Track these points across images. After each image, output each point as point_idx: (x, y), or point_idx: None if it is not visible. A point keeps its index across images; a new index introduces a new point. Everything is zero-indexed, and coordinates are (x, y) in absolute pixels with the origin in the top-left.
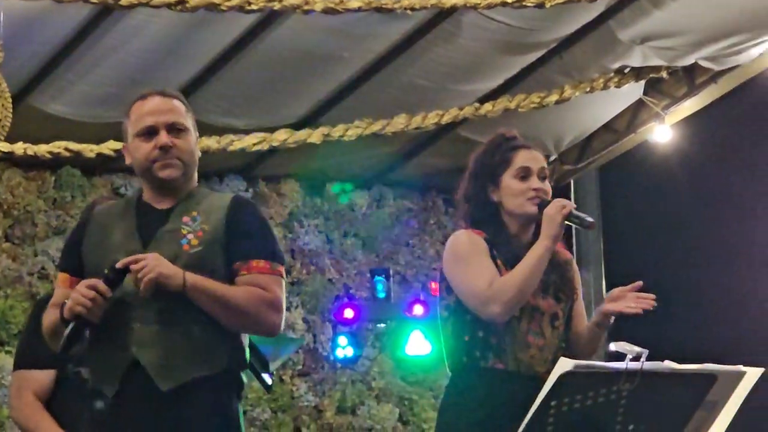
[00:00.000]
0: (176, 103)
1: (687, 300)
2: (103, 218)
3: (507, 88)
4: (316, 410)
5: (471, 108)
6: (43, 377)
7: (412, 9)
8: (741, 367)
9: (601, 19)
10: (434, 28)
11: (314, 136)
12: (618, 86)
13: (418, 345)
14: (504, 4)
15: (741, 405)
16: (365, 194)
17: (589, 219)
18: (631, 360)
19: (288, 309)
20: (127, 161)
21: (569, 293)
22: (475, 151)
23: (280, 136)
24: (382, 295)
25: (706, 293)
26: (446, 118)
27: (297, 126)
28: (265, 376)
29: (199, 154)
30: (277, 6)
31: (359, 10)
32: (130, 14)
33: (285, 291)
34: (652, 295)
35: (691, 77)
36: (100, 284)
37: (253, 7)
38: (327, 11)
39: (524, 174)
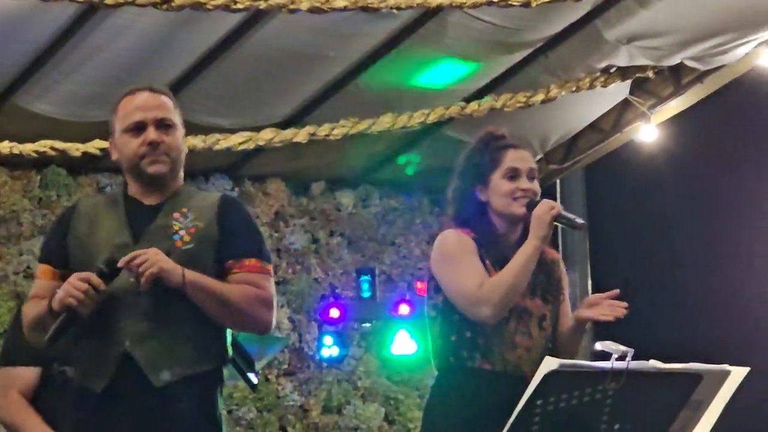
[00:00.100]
0: (164, 99)
1: (673, 299)
2: (90, 211)
3: (493, 87)
4: (302, 410)
5: (457, 107)
6: (29, 375)
7: (398, 8)
8: (726, 367)
9: (588, 19)
10: (420, 28)
11: (300, 135)
12: (604, 86)
13: (403, 344)
14: (490, 4)
15: (726, 404)
16: (351, 194)
17: (579, 220)
18: (617, 359)
19: None
20: (114, 157)
21: (556, 294)
22: (463, 150)
23: (266, 135)
24: (367, 294)
25: (691, 292)
26: (432, 118)
27: (283, 125)
28: (251, 376)
29: (186, 150)
30: (262, 5)
31: (345, 9)
32: (115, 13)
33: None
34: (624, 303)
35: (677, 77)
36: (93, 277)
37: (239, 6)
38: (313, 10)
39: (513, 174)
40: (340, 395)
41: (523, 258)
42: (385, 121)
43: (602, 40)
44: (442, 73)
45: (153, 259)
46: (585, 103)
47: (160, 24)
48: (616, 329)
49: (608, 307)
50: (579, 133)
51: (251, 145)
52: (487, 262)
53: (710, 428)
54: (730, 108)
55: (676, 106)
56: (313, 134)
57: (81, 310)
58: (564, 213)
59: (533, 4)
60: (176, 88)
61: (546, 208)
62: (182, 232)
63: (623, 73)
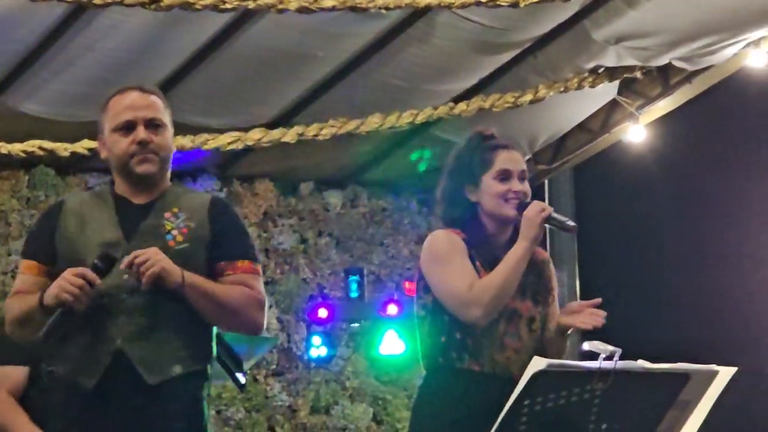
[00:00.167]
0: (154, 98)
1: (661, 299)
2: (78, 208)
3: (481, 87)
4: (290, 410)
5: (445, 108)
6: (17, 374)
7: (387, 8)
8: (714, 367)
9: (576, 19)
10: (408, 28)
11: (288, 135)
12: (592, 86)
13: (392, 345)
14: (478, 4)
15: (714, 404)
16: (339, 194)
17: (571, 223)
18: (605, 359)
19: None
20: (103, 155)
21: (546, 295)
22: (453, 150)
23: (255, 136)
24: (356, 294)
25: (680, 292)
26: (420, 118)
27: (271, 125)
28: (239, 376)
29: (174, 149)
30: (251, 5)
31: (333, 9)
32: (104, 13)
33: None
34: (603, 312)
35: (665, 77)
36: (88, 273)
37: (228, 6)
38: (301, 10)
39: (504, 176)
40: (329, 395)
41: (513, 260)
42: (373, 122)
43: (590, 40)
44: None
45: (154, 258)
46: (573, 103)
47: (148, 24)
48: (604, 329)
49: (589, 315)
50: (567, 134)
51: (240, 146)
52: (477, 263)
53: (698, 428)
54: (718, 108)
55: (664, 106)
56: (301, 134)
57: (76, 306)
58: (555, 215)
59: (521, 5)
60: (165, 88)
61: (537, 210)
62: (175, 232)
63: (611, 73)
